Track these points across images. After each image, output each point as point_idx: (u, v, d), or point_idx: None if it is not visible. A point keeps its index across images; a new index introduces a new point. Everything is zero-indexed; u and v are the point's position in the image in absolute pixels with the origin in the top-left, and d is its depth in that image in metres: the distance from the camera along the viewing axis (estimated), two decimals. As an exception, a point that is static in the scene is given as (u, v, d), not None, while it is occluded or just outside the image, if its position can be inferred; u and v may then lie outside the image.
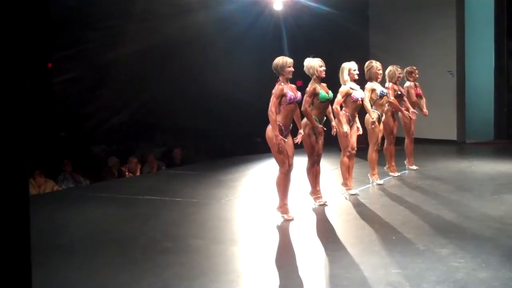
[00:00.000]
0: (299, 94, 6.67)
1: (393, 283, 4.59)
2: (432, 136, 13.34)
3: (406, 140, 9.85)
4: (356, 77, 7.86)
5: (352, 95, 7.75)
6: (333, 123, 7.50)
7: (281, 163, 6.63)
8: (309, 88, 7.07)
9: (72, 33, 15.19)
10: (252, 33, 13.87)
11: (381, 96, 8.57)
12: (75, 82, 15.03)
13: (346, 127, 7.65)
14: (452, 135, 13.81)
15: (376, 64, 8.54)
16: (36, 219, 2.36)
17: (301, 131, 6.88)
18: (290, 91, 6.55)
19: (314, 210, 7.22)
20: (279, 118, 6.53)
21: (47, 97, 15.15)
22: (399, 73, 9.26)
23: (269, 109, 6.49)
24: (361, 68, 8.17)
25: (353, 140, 7.89)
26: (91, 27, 14.75)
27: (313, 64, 7.11)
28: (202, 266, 5.18)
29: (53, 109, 15.61)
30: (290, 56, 6.73)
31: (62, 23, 15.64)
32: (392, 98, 8.94)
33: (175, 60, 15.55)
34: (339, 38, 13.35)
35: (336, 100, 7.66)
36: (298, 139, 6.81)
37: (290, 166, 6.65)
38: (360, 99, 7.86)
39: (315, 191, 7.43)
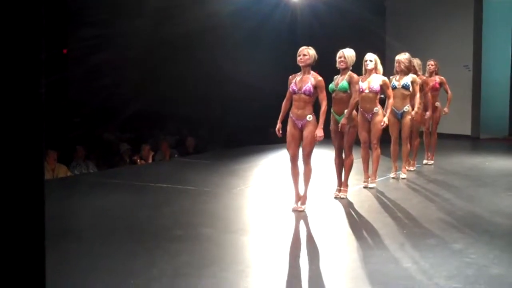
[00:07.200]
0: (306, 86, 6.41)
1: (404, 277, 4.57)
2: (446, 130, 13.23)
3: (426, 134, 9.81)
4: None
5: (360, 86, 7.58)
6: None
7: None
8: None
9: (86, 22, 15.22)
10: (268, 24, 13.80)
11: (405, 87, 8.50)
12: (90, 70, 15.07)
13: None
14: (467, 130, 13.71)
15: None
16: (48, 205, 2.36)
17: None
18: (296, 82, 6.49)
19: (327, 202, 7.20)
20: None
21: (61, 85, 15.20)
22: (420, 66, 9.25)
23: None
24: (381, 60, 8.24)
25: (374, 132, 7.86)
26: (104, 17, 14.78)
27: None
28: (212, 255, 5.19)
29: (67, 96, 15.68)
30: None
31: (79, 12, 15.71)
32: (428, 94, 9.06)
33: (190, 51, 15.56)
34: (356, 29, 13.25)
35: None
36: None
37: (302, 157, 6.60)
38: (363, 90, 7.76)
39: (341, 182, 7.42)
